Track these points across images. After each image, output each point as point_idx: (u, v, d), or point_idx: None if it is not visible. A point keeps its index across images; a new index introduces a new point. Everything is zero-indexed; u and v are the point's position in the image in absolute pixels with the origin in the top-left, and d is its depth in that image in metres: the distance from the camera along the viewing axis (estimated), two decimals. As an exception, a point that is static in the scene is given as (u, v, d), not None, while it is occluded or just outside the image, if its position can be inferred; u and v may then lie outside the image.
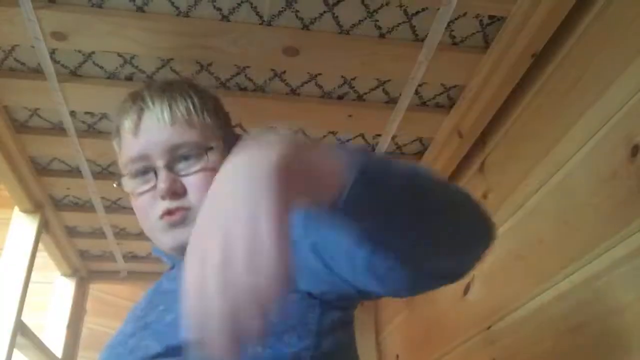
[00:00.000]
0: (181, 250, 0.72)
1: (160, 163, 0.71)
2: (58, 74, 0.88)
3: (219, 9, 0.80)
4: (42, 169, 1.15)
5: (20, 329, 1.14)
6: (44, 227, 1.24)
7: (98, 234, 1.40)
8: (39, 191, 1.19)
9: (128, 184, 0.74)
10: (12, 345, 1.11)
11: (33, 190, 1.17)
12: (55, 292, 1.55)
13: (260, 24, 0.82)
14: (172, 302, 0.64)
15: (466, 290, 1.06)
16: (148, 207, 0.71)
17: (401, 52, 0.87)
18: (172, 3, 0.79)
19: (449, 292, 1.13)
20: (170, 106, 0.73)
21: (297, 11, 0.80)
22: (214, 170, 0.72)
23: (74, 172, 1.15)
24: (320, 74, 0.92)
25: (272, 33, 0.83)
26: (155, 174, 0.71)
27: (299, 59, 0.87)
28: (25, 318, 1.16)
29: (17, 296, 1.14)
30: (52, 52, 0.85)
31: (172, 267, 0.76)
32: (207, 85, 0.83)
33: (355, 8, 0.80)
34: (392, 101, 0.99)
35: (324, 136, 1.08)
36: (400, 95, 0.96)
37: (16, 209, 1.21)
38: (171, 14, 0.80)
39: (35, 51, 0.83)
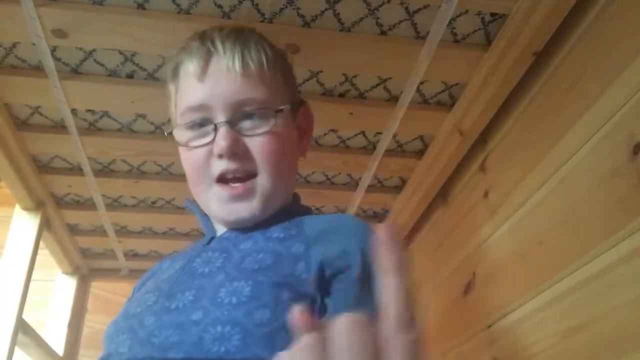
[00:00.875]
0: (236, 224, 0.66)
1: (221, 117, 0.64)
2: (59, 72, 0.88)
3: (220, 7, 0.80)
4: (43, 167, 1.15)
5: (22, 327, 1.14)
6: (45, 225, 1.24)
7: (99, 231, 1.40)
8: (40, 189, 1.19)
9: (182, 134, 0.68)
10: (13, 343, 1.11)
11: (34, 188, 1.17)
12: (56, 290, 1.55)
13: (261, 22, 0.82)
14: (203, 296, 0.55)
15: (467, 289, 1.05)
16: (202, 163, 0.66)
17: (402, 50, 0.87)
18: (173, 0, 0.79)
19: (449, 291, 1.13)
20: (242, 55, 0.66)
21: (298, 8, 0.80)
22: (279, 135, 0.66)
23: (75, 169, 1.15)
24: (321, 72, 0.92)
25: (273, 30, 0.82)
26: (215, 128, 0.64)
27: (300, 57, 0.87)
28: (26, 316, 1.16)
29: (18, 294, 1.14)
30: (53, 50, 0.85)
31: (209, 242, 0.68)
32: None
33: (357, 5, 0.80)
34: (393, 99, 0.99)
35: (325, 134, 1.08)
36: (401, 93, 0.96)
37: (17, 206, 1.21)
38: (172, 11, 0.80)
39: (36, 49, 0.83)
